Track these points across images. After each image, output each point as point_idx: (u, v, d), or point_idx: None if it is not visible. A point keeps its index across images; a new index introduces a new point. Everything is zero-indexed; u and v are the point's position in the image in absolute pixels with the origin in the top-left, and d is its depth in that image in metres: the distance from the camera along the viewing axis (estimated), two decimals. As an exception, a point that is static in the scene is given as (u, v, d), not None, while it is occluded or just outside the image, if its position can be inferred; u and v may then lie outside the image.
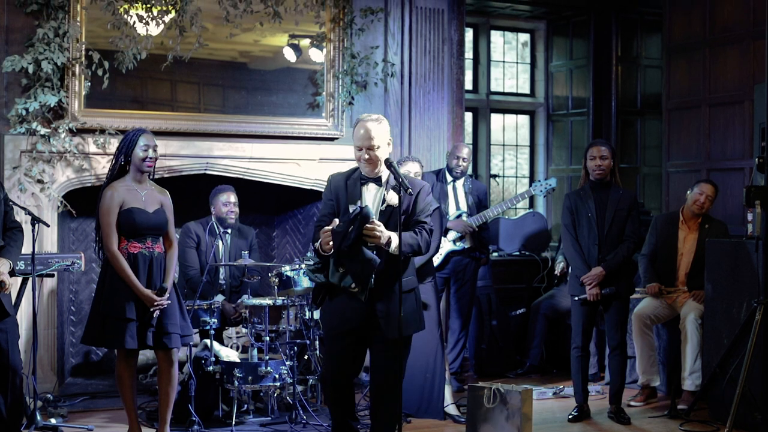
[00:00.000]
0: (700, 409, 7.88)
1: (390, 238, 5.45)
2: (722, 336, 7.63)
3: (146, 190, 6.59)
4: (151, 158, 6.53)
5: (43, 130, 8.02)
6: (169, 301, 6.49)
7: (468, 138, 11.52)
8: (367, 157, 5.60)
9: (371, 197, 5.68)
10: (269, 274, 7.67)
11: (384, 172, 5.69)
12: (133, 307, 6.35)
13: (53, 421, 7.19)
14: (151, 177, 6.72)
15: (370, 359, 5.80)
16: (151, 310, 6.38)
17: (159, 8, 8.32)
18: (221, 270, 8.32)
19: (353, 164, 8.96)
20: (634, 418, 7.83)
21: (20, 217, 6.74)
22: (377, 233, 5.40)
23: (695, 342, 8.10)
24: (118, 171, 6.58)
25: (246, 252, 8.05)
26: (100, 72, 8.13)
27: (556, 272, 9.86)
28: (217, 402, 7.42)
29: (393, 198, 5.59)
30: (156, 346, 6.51)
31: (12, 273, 6.18)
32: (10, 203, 6.47)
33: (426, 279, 7.71)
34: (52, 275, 7.66)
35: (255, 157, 8.81)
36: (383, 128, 5.66)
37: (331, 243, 5.41)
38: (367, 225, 5.38)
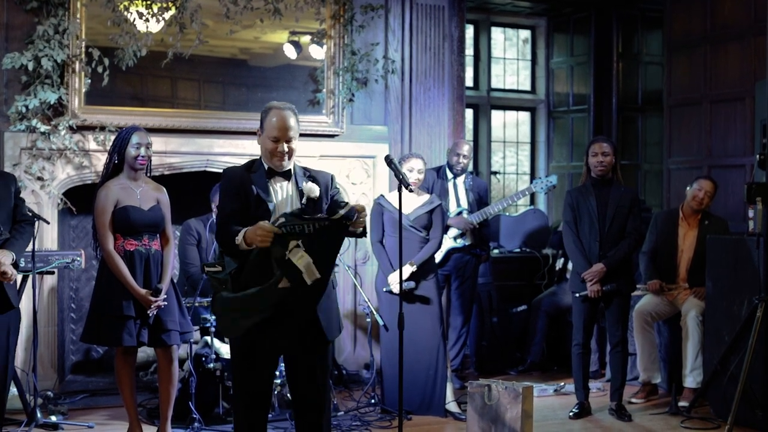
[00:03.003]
0: (701, 406, 7.88)
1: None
2: (723, 333, 7.63)
3: (141, 187, 6.58)
4: (143, 156, 6.51)
5: (43, 128, 8.01)
6: (166, 302, 6.48)
7: (469, 135, 11.51)
8: (286, 149, 5.00)
9: (281, 192, 5.08)
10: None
11: (291, 165, 5.12)
12: (131, 305, 6.35)
13: (54, 418, 7.19)
14: (148, 174, 6.72)
15: (288, 370, 5.18)
16: (148, 312, 6.39)
17: (159, 5, 8.31)
18: (222, 267, 8.30)
19: (353, 161, 9.09)
20: (635, 415, 7.83)
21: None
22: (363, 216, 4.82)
23: (696, 339, 8.10)
24: (112, 170, 6.57)
25: (246, 249, 8.03)
26: (100, 69, 8.12)
27: (557, 266, 9.86)
28: (218, 399, 7.40)
29: (313, 189, 5.03)
30: (155, 343, 6.52)
31: (15, 266, 6.15)
32: (21, 197, 6.46)
33: (428, 276, 7.72)
34: (53, 272, 7.65)
35: (255, 154, 8.68)
36: (297, 119, 5.09)
37: (268, 241, 4.70)
38: (352, 213, 4.76)
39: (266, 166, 5.09)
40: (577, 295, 7.73)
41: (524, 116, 12.36)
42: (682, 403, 7.97)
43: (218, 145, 8.76)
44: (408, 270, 7.53)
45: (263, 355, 5.02)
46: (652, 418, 7.81)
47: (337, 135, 9.12)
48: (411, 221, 7.67)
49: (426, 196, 7.89)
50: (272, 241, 4.69)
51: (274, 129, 4.99)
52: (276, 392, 7.51)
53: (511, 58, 12.32)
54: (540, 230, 11.09)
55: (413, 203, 7.73)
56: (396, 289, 7.48)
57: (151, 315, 6.39)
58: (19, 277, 7.27)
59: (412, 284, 7.60)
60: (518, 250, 10.97)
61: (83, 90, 8.20)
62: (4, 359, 6.26)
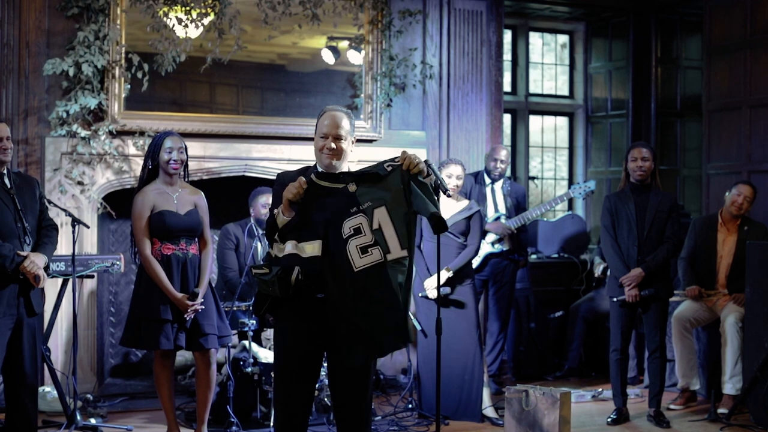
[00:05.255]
0: (741, 413, 7.83)
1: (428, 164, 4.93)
2: (763, 339, 7.58)
3: (178, 192, 6.61)
4: (175, 160, 6.53)
5: (83, 132, 8.08)
6: (203, 306, 6.51)
7: (506, 140, 11.49)
8: (333, 146, 4.91)
9: None
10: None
11: (342, 168, 5.03)
12: (169, 309, 6.39)
13: (93, 421, 7.25)
14: (186, 179, 6.75)
15: (330, 376, 5.12)
16: (185, 316, 6.42)
17: (198, 11, 8.35)
18: (260, 271, 8.31)
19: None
20: (673, 421, 7.79)
21: (60, 219, 6.79)
22: (414, 158, 4.88)
23: (735, 345, 8.04)
24: (148, 175, 6.62)
25: (284, 254, 8.04)
26: (139, 74, 8.18)
27: (596, 274, 9.80)
28: (256, 403, 7.42)
29: None
30: (193, 347, 6.54)
31: (46, 269, 6.16)
32: (45, 201, 6.46)
33: (465, 281, 7.71)
34: (92, 276, 7.69)
35: (293, 159, 8.80)
36: (351, 123, 5.04)
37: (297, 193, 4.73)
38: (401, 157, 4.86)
39: (319, 170, 5.04)
40: (615, 299, 7.70)
41: (562, 121, 12.32)
42: (721, 410, 7.91)
43: (256, 150, 8.79)
44: (444, 275, 7.53)
45: (306, 361, 5.00)
46: (690, 425, 7.76)
47: (375, 140, 9.14)
48: (449, 227, 7.66)
49: (465, 202, 7.88)
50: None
51: (324, 126, 4.98)
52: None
53: (549, 63, 12.29)
54: (578, 236, 11.05)
55: (452, 209, 7.72)
56: (431, 294, 7.49)
57: (188, 319, 6.42)
58: (59, 281, 7.37)
59: (447, 290, 7.60)
60: (556, 255, 10.94)
61: (123, 95, 8.26)
62: (38, 360, 6.30)
